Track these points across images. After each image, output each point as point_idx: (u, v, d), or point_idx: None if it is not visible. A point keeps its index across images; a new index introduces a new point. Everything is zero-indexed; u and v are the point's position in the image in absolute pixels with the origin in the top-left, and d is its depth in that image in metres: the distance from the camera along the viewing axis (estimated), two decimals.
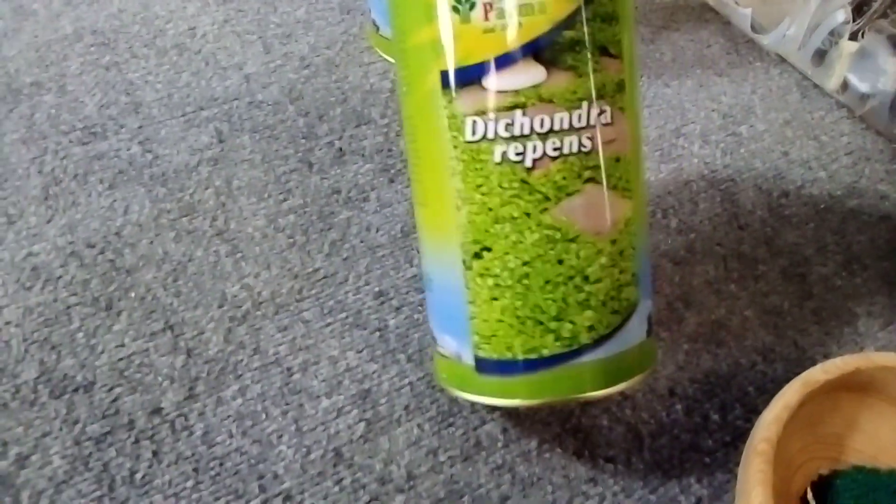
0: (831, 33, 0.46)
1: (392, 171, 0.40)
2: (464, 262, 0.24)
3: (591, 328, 0.25)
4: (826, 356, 0.34)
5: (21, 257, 0.34)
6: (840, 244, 0.39)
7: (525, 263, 0.23)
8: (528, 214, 0.23)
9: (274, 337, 0.33)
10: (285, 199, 0.38)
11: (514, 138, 0.23)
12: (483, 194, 0.23)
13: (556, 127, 0.23)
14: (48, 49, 0.44)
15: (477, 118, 0.23)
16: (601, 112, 0.23)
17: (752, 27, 0.51)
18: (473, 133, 0.23)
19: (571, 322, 0.24)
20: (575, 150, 0.23)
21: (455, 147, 0.23)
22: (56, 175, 0.38)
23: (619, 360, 0.26)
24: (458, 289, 0.24)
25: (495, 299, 0.24)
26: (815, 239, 0.39)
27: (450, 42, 0.23)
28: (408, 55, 0.24)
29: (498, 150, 0.23)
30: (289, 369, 0.32)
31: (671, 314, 0.35)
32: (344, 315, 0.34)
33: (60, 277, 0.34)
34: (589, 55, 0.23)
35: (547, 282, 0.23)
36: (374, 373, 0.32)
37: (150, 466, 0.29)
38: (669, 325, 0.35)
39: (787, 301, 0.36)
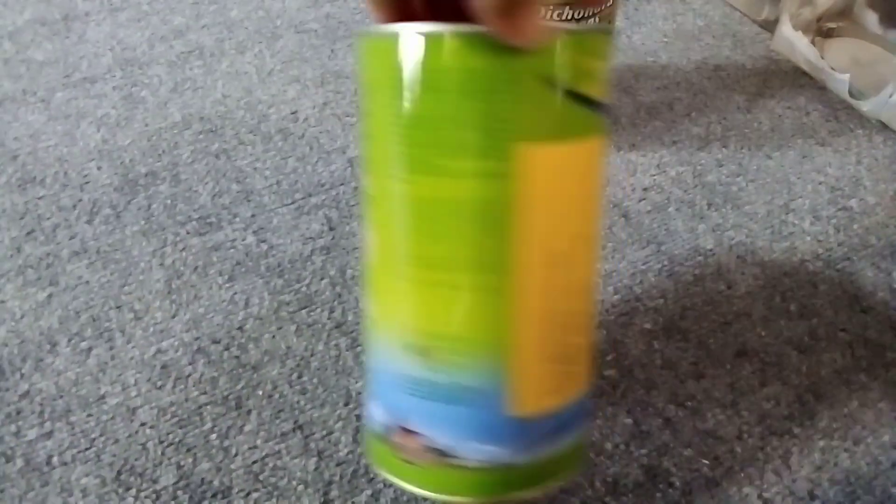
0: None
1: None
2: None
3: None
4: None
5: (150, 354, 0.35)
6: None
7: None
8: None
9: None
10: None
11: None
12: None
13: None
14: (159, 137, 0.46)
15: None
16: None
17: (851, 93, 0.50)
18: None
19: None
20: None
21: None
22: (177, 268, 0.39)
23: None
24: None
25: None
26: None
27: None
28: None
29: None
30: None
31: (802, 408, 0.34)
32: None
33: (190, 375, 0.34)
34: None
35: None
36: None
37: None
38: (801, 421, 0.34)
39: None
